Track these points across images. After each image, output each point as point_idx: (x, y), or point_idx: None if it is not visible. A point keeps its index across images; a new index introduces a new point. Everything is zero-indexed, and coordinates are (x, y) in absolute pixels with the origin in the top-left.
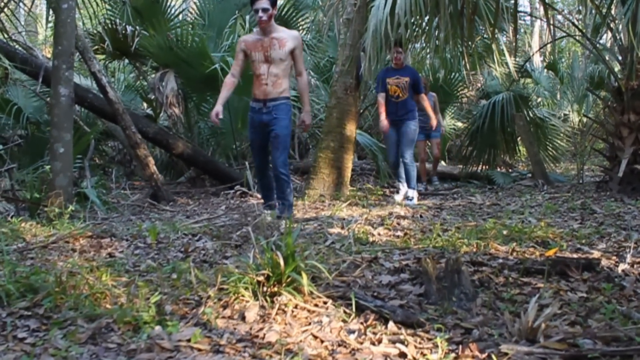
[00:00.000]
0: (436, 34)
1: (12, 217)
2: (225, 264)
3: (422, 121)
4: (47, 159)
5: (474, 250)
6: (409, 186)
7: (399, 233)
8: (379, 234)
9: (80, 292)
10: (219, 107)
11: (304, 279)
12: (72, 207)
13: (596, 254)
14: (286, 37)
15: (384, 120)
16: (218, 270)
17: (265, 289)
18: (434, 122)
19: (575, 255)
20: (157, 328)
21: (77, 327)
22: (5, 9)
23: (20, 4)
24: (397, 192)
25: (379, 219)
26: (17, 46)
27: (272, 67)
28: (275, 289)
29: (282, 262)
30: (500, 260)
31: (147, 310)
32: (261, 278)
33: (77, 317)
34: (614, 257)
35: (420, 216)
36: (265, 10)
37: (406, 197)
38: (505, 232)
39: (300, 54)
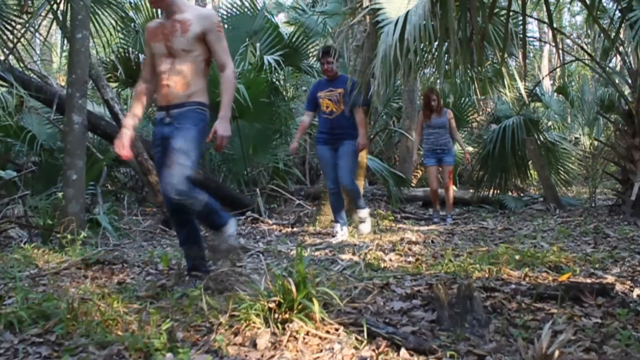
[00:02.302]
0: (445, 59)
1: (25, 244)
2: (236, 290)
3: (433, 142)
4: (60, 185)
5: (486, 275)
6: (356, 207)
7: (411, 259)
8: (391, 260)
9: (92, 319)
10: (127, 120)
11: (316, 306)
12: (85, 234)
13: (610, 278)
14: (190, 19)
15: (294, 142)
16: (229, 297)
17: (276, 315)
18: (361, 140)
19: (588, 280)
20: (169, 355)
21: (88, 354)
22: (22, 39)
23: (37, 34)
24: (334, 235)
25: (390, 245)
26: (32, 75)
27: (176, 61)
28: (287, 315)
29: (293, 289)
30: (513, 286)
31: (158, 337)
32: (272, 305)
33: (89, 344)
34: (629, 282)
35: (432, 241)
36: None
37: (359, 221)
38: (517, 257)
39: (218, 39)
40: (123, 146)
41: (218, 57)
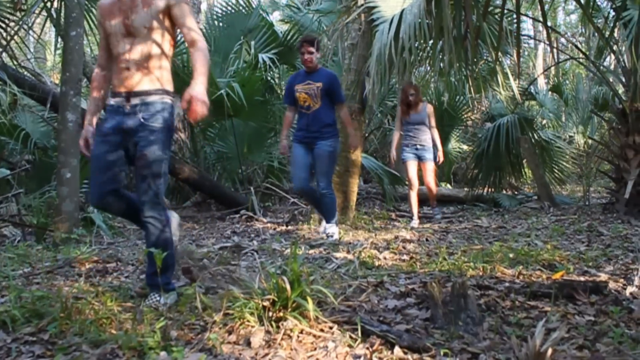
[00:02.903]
0: (440, 57)
1: (18, 242)
2: (231, 289)
3: (412, 139)
4: (54, 184)
5: (480, 273)
6: (327, 220)
7: (405, 257)
8: (385, 258)
9: (86, 318)
10: (87, 117)
11: (310, 304)
12: (79, 232)
13: (603, 276)
14: None
15: (282, 141)
16: (223, 296)
17: (270, 314)
18: (352, 141)
19: (582, 278)
20: (162, 354)
21: (82, 352)
22: (15, 37)
23: (30, 32)
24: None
25: (384, 243)
26: (26, 73)
27: (136, 41)
28: (281, 314)
29: (287, 287)
30: (507, 284)
31: (152, 336)
32: (267, 303)
33: (82, 342)
34: (622, 280)
35: (426, 240)
36: None
37: (326, 234)
38: (511, 255)
39: (186, 14)
40: (87, 145)
41: (187, 33)
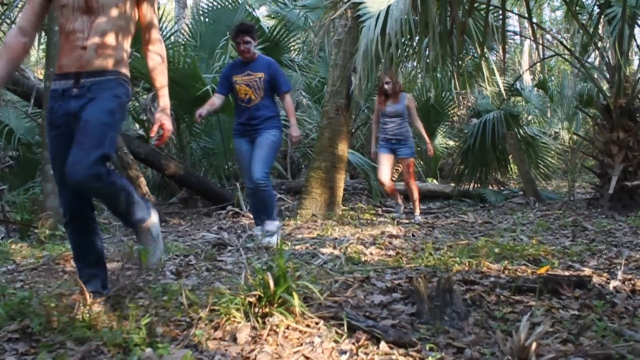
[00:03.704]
0: (427, 53)
1: (2, 239)
2: (217, 284)
3: (388, 132)
4: (39, 180)
5: (466, 268)
6: (266, 217)
7: (391, 252)
8: (371, 254)
9: (70, 315)
10: None
11: (296, 300)
12: (63, 229)
13: (588, 271)
14: None
15: (201, 109)
16: (209, 292)
17: (256, 309)
18: (294, 132)
19: (566, 273)
20: (148, 350)
21: (66, 350)
22: None
23: (13, 26)
24: (254, 238)
25: (371, 238)
26: None
27: (98, 19)
28: (267, 309)
29: (272, 283)
30: (492, 279)
31: (137, 333)
32: (253, 299)
33: (67, 340)
34: (606, 274)
35: (413, 235)
36: None
37: (266, 233)
38: (497, 250)
39: (154, 9)
40: None
41: (150, 25)
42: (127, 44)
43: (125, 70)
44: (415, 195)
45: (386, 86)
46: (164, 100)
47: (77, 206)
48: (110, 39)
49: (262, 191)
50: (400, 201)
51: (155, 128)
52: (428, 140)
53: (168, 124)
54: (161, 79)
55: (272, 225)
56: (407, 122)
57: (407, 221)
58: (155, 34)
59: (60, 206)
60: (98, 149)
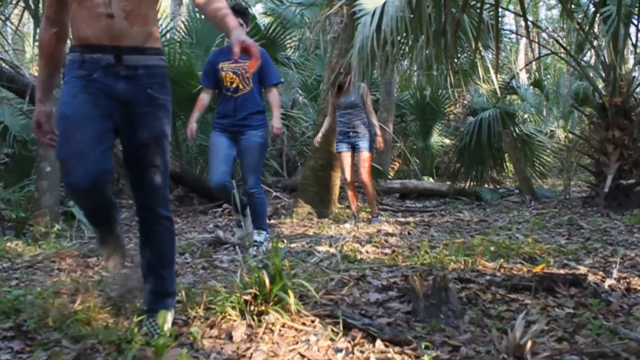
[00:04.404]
0: (422, 51)
1: None
2: (212, 282)
3: (344, 124)
4: (34, 177)
5: (462, 267)
6: (256, 226)
7: (387, 250)
8: (367, 252)
9: (66, 313)
10: (40, 92)
11: (291, 298)
12: (59, 227)
13: (583, 269)
14: None
15: (191, 124)
16: (205, 290)
17: (252, 308)
18: (276, 123)
19: (562, 271)
20: (143, 348)
21: (61, 348)
22: None
23: (8, 23)
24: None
25: (367, 237)
26: (4, 64)
27: None
28: (263, 307)
29: (268, 281)
30: (488, 277)
31: (133, 330)
32: (248, 297)
33: (62, 338)
34: (601, 273)
35: (409, 233)
36: None
37: (254, 244)
38: (492, 249)
39: None
40: (42, 129)
41: None
42: (155, 7)
43: (160, 43)
44: (371, 192)
45: (340, 77)
46: (230, 21)
47: (103, 172)
48: (143, 5)
49: (255, 198)
50: (355, 211)
51: (237, 48)
52: (379, 132)
53: (251, 44)
54: (221, 10)
55: (260, 235)
56: (364, 113)
57: (403, 220)
58: None
59: (69, 180)
60: (168, 174)
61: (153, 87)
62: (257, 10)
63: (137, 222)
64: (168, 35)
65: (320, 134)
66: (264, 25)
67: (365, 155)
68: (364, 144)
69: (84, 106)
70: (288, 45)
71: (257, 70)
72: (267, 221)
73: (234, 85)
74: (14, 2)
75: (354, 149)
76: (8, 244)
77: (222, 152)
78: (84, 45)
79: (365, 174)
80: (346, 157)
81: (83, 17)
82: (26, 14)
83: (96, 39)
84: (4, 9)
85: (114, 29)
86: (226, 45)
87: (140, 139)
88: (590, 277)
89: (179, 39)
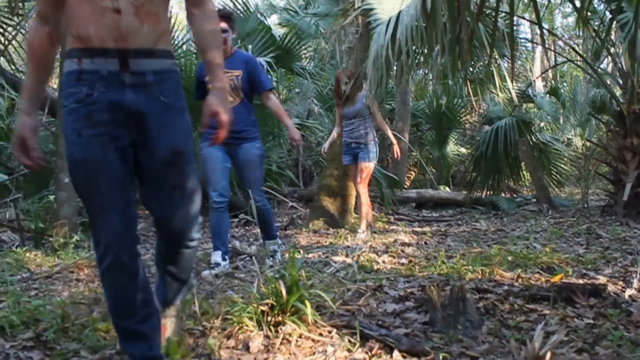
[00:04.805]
0: (438, 60)
1: (16, 247)
2: (229, 293)
3: (348, 135)
4: (52, 188)
5: (479, 277)
6: (267, 236)
7: (404, 260)
8: (384, 262)
9: (84, 323)
10: (25, 103)
11: (308, 308)
12: (77, 237)
13: (602, 279)
14: None
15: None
16: (222, 300)
17: (269, 318)
18: (293, 133)
19: (581, 281)
20: None
21: (80, 358)
22: (13, 41)
23: (28, 36)
24: (212, 265)
25: (383, 246)
26: (23, 77)
27: None
28: (280, 318)
29: (285, 292)
30: (506, 287)
31: None
32: (265, 307)
33: (81, 348)
34: (621, 283)
35: (425, 243)
36: None
37: (270, 254)
38: (510, 258)
39: None
40: (24, 150)
41: None
42: (167, 5)
43: (170, 46)
44: (364, 208)
45: (344, 87)
46: (220, 78)
47: (128, 239)
48: (154, 2)
49: (262, 212)
50: (364, 225)
51: (205, 119)
52: (395, 141)
53: (224, 113)
54: (213, 49)
55: (273, 245)
56: (370, 123)
57: (419, 229)
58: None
59: (97, 243)
60: (198, 194)
61: (165, 94)
62: (272, 21)
63: (160, 248)
64: (184, 47)
65: (327, 143)
66: (279, 36)
67: (362, 165)
68: (364, 154)
69: (93, 148)
70: (303, 56)
71: (248, 78)
72: (284, 232)
73: None
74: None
75: (355, 159)
76: (27, 254)
77: (218, 166)
78: (84, 49)
79: (360, 184)
80: (352, 169)
81: (84, 12)
82: None
83: (99, 40)
84: (24, 22)
85: (120, 27)
86: None
87: (159, 155)
88: (610, 287)
89: (194, 50)
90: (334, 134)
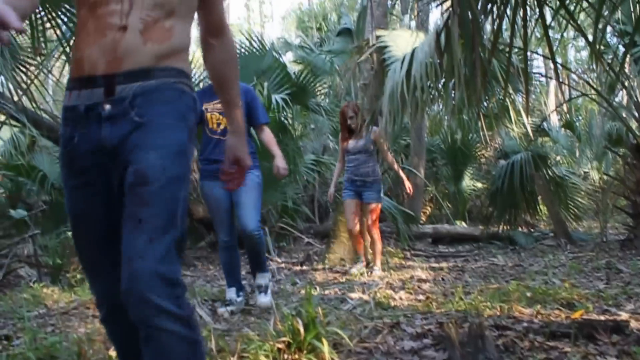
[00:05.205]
0: (453, 95)
1: (34, 283)
2: (246, 330)
3: (352, 172)
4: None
5: (498, 313)
6: (258, 270)
7: (421, 297)
8: (401, 298)
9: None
10: None
11: (325, 346)
12: None
13: (624, 315)
14: None
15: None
16: (238, 338)
17: (285, 356)
18: (280, 162)
19: (602, 317)
20: None
21: None
22: (35, 80)
23: (49, 75)
24: (227, 304)
25: (400, 283)
26: (44, 115)
27: None
28: (296, 356)
29: (302, 329)
30: (525, 324)
31: None
32: (281, 345)
33: None
34: None
35: (442, 279)
36: None
37: (258, 289)
38: (529, 294)
39: None
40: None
41: (217, 13)
42: (189, 22)
43: (184, 64)
44: (378, 246)
45: (350, 121)
46: (239, 120)
47: (118, 295)
48: (167, 16)
49: (256, 242)
50: (362, 255)
51: (227, 163)
52: (405, 177)
53: (246, 159)
54: (234, 82)
55: (264, 278)
56: (375, 159)
57: (436, 265)
58: (221, 17)
59: (92, 294)
60: (167, 231)
61: (148, 112)
62: (287, 58)
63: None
64: (201, 85)
65: (332, 188)
66: (294, 73)
67: (372, 206)
68: (370, 195)
69: (76, 202)
70: (319, 92)
71: (245, 108)
72: (300, 268)
73: (222, 128)
74: (56, 55)
75: (361, 197)
76: (44, 290)
77: (223, 207)
78: (75, 79)
79: (372, 227)
80: (350, 205)
81: (86, 32)
82: (67, 66)
83: (89, 66)
84: (46, 61)
85: (118, 48)
86: (209, 85)
87: (127, 183)
88: (633, 324)
89: None
90: (336, 173)
